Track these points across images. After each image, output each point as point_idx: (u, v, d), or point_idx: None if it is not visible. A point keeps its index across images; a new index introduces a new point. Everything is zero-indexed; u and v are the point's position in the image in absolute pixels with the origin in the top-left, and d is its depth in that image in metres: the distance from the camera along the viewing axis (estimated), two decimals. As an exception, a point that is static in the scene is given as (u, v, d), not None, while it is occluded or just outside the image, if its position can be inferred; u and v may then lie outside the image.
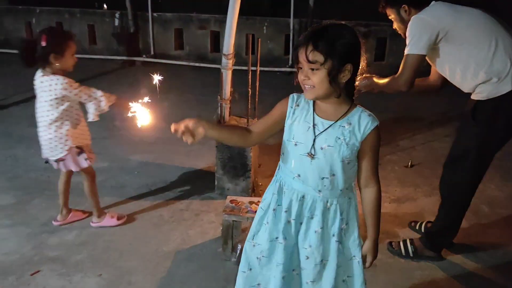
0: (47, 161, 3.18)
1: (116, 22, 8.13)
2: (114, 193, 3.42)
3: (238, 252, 2.60)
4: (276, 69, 7.28)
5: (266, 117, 1.72)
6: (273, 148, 4.23)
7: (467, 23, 2.33)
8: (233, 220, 2.60)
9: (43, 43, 2.51)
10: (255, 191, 3.41)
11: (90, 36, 8.56)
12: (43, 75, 2.59)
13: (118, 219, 3.02)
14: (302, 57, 1.49)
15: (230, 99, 3.30)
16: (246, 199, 2.75)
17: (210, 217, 3.12)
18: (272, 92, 5.91)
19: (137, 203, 3.29)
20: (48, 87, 2.57)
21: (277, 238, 1.69)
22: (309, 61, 1.47)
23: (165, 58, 7.99)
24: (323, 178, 1.59)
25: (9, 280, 2.45)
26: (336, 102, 1.57)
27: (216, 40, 7.88)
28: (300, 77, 1.53)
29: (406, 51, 2.39)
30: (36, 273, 2.51)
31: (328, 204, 1.63)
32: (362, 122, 1.57)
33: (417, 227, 2.98)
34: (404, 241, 2.75)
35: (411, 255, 2.69)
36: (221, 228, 2.66)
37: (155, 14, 8.11)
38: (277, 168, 1.77)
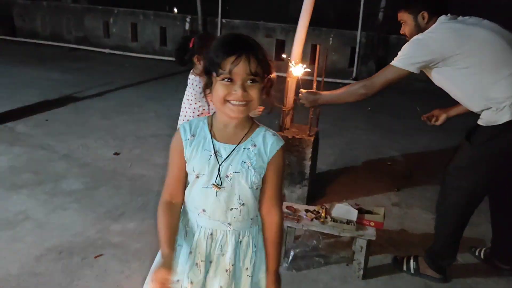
0: (116, 153, 3.36)
1: (187, 26, 8.46)
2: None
3: (291, 258, 2.62)
4: (339, 80, 7.23)
5: (171, 175, 1.47)
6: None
7: (471, 48, 2.21)
8: (287, 226, 2.62)
9: (190, 45, 2.69)
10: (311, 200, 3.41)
11: (161, 38, 8.96)
12: (191, 73, 2.78)
13: None
14: (242, 69, 1.28)
15: (293, 107, 3.34)
16: (302, 207, 2.77)
17: (264, 221, 3.16)
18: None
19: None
20: (191, 85, 2.74)
21: (178, 281, 1.46)
22: (251, 73, 1.29)
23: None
24: (232, 209, 1.41)
25: (75, 259, 2.62)
26: (239, 122, 1.40)
27: (281, 48, 7.97)
28: (236, 92, 1.30)
29: (392, 62, 2.37)
30: (99, 256, 2.66)
31: (240, 237, 1.45)
32: (267, 142, 1.41)
33: (476, 253, 2.86)
34: (408, 257, 2.70)
35: (412, 272, 2.64)
36: (275, 232, 2.69)
37: (223, 20, 8.36)
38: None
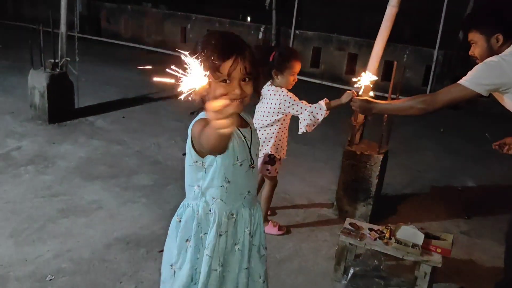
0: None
1: (260, 35, 8.60)
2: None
3: (350, 275, 2.57)
4: (411, 99, 7.02)
5: None
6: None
7: None
8: (349, 243, 2.58)
9: (270, 59, 2.79)
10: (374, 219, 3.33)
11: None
12: (270, 85, 2.88)
13: (279, 229, 3.09)
14: (238, 71, 1.39)
15: (363, 122, 3.30)
16: (366, 225, 2.71)
17: (325, 235, 3.13)
18: (404, 122, 5.74)
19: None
20: (269, 96, 2.84)
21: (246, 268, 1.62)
22: (246, 73, 1.41)
23: (300, 74, 8.18)
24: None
25: (140, 251, 2.75)
26: None
27: (353, 62, 7.88)
28: (234, 92, 1.40)
29: (460, 80, 2.22)
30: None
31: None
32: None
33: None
34: None
35: None
36: (336, 248, 2.66)
37: (297, 31, 8.41)
38: (209, 210, 1.56)
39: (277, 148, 2.92)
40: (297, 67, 2.80)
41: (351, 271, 2.58)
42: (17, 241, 2.74)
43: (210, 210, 1.54)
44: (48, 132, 4.59)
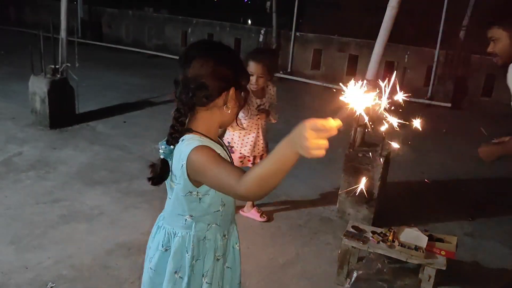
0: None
1: (261, 38, 8.60)
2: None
3: (353, 279, 2.55)
4: (413, 99, 6.99)
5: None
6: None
7: None
8: (352, 246, 2.56)
9: None
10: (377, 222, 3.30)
11: (235, 49, 9.19)
12: None
13: (261, 216, 3.27)
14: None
15: (365, 124, 3.27)
16: (369, 228, 2.69)
17: (328, 238, 3.11)
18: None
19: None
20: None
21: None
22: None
23: (301, 76, 8.21)
24: None
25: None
26: None
27: (353, 63, 7.86)
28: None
29: None
30: None
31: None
32: None
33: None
34: None
35: None
36: (339, 251, 2.63)
37: (297, 34, 8.40)
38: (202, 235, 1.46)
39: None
40: (252, 66, 2.88)
41: (354, 274, 2.56)
42: (17, 248, 2.72)
43: (205, 238, 1.45)
44: (49, 138, 4.58)
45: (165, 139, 1.36)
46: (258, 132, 3.10)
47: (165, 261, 1.47)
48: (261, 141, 3.14)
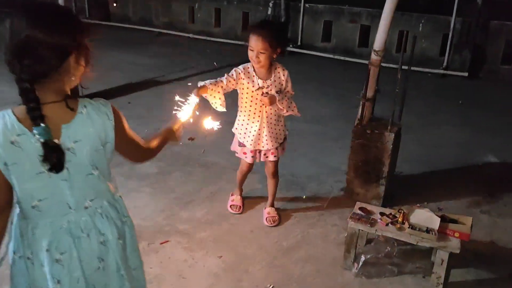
0: (190, 138, 3.37)
1: (269, 11, 8.32)
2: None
3: (361, 263, 2.43)
4: (428, 70, 6.71)
5: None
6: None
7: None
8: (359, 229, 2.43)
9: None
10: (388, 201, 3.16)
11: (243, 23, 8.94)
12: None
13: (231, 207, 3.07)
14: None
15: (373, 98, 3.09)
16: (377, 209, 2.55)
17: (334, 220, 2.99)
18: (420, 95, 5.50)
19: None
20: None
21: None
22: None
23: (311, 49, 7.95)
24: None
25: (141, 244, 2.65)
26: None
27: (365, 34, 7.56)
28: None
29: None
30: (165, 243, 2.68)
31: None
32: None
33: None
34: None
35: None
36: (345, 234, 2.51)
37: (307, 5, 8.10)
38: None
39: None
40: (252, 41, 2.53)
41: (362, 258, 2.44)
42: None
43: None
44: (52, 122, 4.51)
45: (36, 126, 1.17)
46: (262, 123, 2.68)
47: None
48: (267, 135, 2.70)
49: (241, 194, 3.13)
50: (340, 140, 4.15)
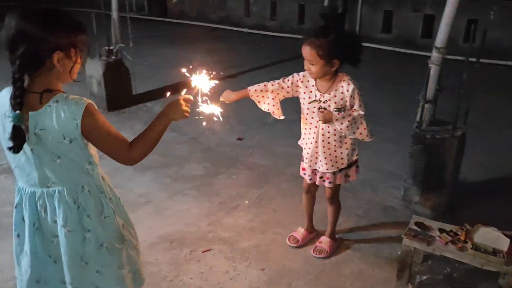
0: (239, 138, 3.23)
1: (326, 2, 8.03)
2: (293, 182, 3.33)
3: (416, 284, 2.20)
4: (502, 62, 6.15)
5: None
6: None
7: None
8: (414, 247, 2.19)
9: None
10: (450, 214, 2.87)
11: (299, 15, 8.72)
12: None
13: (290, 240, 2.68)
14: None
15: (435, 99, 2.80)
16: (436, 224, 2.29)
17: (389, 232, 2.75)
18: (489, 90, 5.01)
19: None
20: None
21: None
22: None
23: (369, 41, 7.58)
24: None
25: (184, 251, 2.59)
26: None
27: (429, 24, 7.08)
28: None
29: None
30: (207, 251, 2.59)
31: None
32: None
33: None
34: None
35: None
36: (399, 251, 2.28)
37: (365, -6, 7.74)
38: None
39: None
40: (302, 48, 2.20)
41: (417, 279, 2.20)
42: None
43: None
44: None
45: (12, 111, 1.33)
46: (318, 140, 2.35)
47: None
48: (321, 156, 2.34)
49: (307, 228, 2.70)
50: (398, 141, 3.87)
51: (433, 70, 2.69)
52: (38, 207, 1.48)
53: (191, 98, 1.56)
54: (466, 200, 3.00)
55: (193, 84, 1.68)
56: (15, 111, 1.31)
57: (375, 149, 3.83)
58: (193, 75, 1.69)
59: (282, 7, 8.99)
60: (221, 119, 1.94)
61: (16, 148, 1.34)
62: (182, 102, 1.51)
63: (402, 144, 3.48)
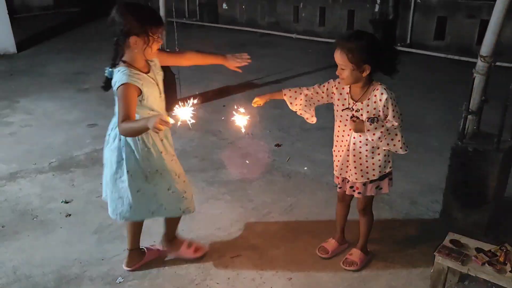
0: (277, 145, 3.17)
1: (377, 8, 7.86)
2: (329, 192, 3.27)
3: (448, 306, 2.09)
4: None
5: None
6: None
7: None
8: (448, 266, 2.09)
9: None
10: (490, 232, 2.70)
11: (349, 22, 8.59)
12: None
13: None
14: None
15: (480, 110, 2.66)
16: (473, 243, 2.17)
17: (425, 248, 2.62)
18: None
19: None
20: None
21: None
22: None
23: (421, 48, 7.33)
24: None
25: (213, 256, 2.61)
26: None
27: (485, 30, 6.72)
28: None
29: None
30: (236, 257, 2.59)
31: None
32: None
33: None
34: None
35: None
36: (432, 270, 2.18)
37: (418, 0, 7.49)
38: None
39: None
40: (334, 52, 2.16)
41: (451, 300, 2.09)
42: (100, 238, 2.80)
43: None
44: (151, 124, 4.73)
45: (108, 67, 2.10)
46: (348, 150, 2.31)
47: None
48: (351, 165, 2.30)
49: (338, 239, 2.63)
50: (443, 152, 3.68)
51: (478, 79, 2.56)
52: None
53: (170, 122, 1.78)
54: (509, 218, 2.82)
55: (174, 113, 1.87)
56: (109, 67, 2.06)
57: (418, 160, 3.70)
58: (176, 106, 1.87)
59: (331, 13, 8.89)
60: (243, 131, 2.19)
61: (105, 88, 2.13)
62: (159, 120, 1.76)
63: (446, 156, 3.32)
